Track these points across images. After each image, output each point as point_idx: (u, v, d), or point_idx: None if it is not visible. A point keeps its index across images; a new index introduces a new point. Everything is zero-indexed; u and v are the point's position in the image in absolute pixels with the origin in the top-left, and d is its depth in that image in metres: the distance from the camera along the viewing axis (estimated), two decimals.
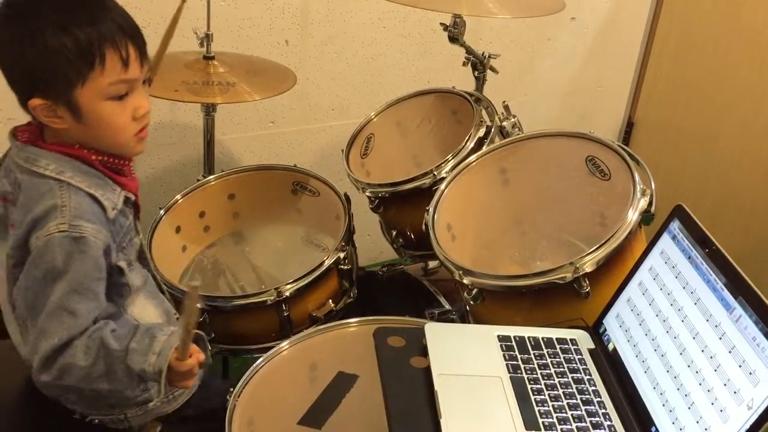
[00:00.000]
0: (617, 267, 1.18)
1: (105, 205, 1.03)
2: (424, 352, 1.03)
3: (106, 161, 1.06)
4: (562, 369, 1.04)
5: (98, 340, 0.98)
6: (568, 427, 0.94)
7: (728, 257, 0.92)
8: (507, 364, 1.03)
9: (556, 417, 0.95)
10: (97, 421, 1.14)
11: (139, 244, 1.17)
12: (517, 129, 1.57)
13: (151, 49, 1.33)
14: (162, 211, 1.56)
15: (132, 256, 1.13)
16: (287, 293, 1.38)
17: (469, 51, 1.69)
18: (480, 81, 1.73)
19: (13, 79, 1.00)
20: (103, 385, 1.00)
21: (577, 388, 1.01)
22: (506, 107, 1.58)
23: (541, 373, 1.02)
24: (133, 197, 1.12)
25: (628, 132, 2.71)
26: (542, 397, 0.98)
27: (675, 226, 1.04)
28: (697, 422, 0.88)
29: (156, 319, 1.16)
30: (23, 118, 1.06)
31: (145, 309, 1.16)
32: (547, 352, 1.07)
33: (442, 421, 0.90)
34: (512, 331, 1.10)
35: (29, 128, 1.06)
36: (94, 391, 1.04)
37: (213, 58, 1.61)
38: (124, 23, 1.00)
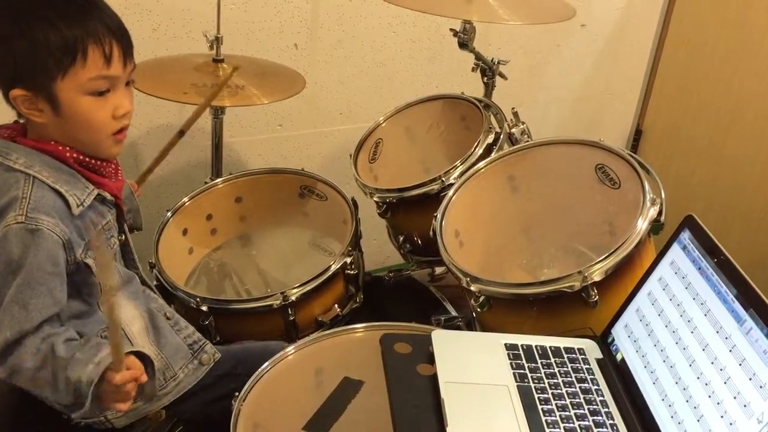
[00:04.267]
0: (626, 276, 1.18)
1: (69, 201, 1.04)
2: (430, 360, 1.03)
3: (83, 160, 1.07)
4: (569, 378, 1.03)
5: (50, 345, 0.98)
6: None
7: (739, 269, 0.91)
8: (514, 373, 1.03)
9: (564, 427, 0.94)
10: (83, 424, 1.13)
11: (119, 245, 1.17)
12: (525, 136, 1.56)
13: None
14: (169, 213, 1.56)
15: None
16: (293, 297, 1.37)
17: (478, 57, 1.69)
18: (489, 87, 1.73)
19: None
20: (47, 393, 0.99)
21: (584, 398, 1.00)
22: (515, 114, 1.58)
23: (548, 383, 1.02)
24: (110, 197, 1.12)
25: (636, 139, 2.69)
26: (549, 406, 0.97)
27: (685, 236, 1.03)
28: None
29: (135, 321, 1.16)
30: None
31: (123, 310, 1.14)
32: (555, 361, 1.06)
33: (449, 430, 0.90)
34: (519, 339, 1.10)
35: (13, 125, 1.09)
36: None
37: (222, 60, 1.62)
38: (111, 23, 1.02)
